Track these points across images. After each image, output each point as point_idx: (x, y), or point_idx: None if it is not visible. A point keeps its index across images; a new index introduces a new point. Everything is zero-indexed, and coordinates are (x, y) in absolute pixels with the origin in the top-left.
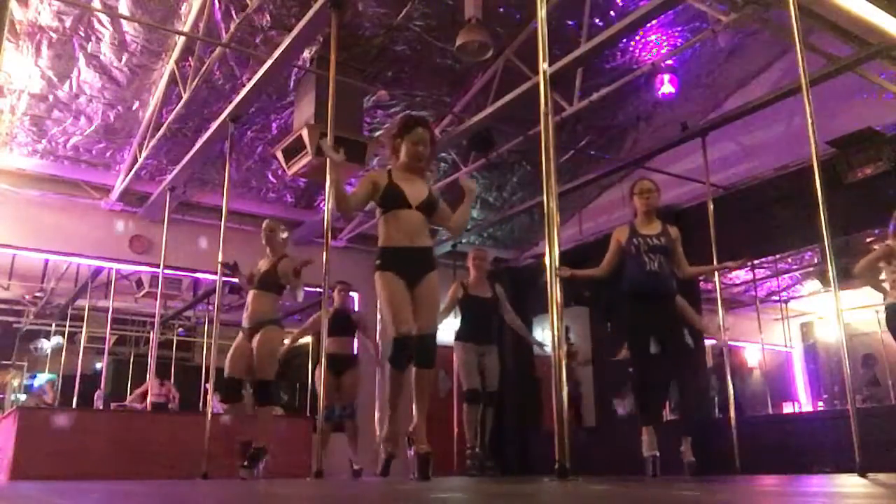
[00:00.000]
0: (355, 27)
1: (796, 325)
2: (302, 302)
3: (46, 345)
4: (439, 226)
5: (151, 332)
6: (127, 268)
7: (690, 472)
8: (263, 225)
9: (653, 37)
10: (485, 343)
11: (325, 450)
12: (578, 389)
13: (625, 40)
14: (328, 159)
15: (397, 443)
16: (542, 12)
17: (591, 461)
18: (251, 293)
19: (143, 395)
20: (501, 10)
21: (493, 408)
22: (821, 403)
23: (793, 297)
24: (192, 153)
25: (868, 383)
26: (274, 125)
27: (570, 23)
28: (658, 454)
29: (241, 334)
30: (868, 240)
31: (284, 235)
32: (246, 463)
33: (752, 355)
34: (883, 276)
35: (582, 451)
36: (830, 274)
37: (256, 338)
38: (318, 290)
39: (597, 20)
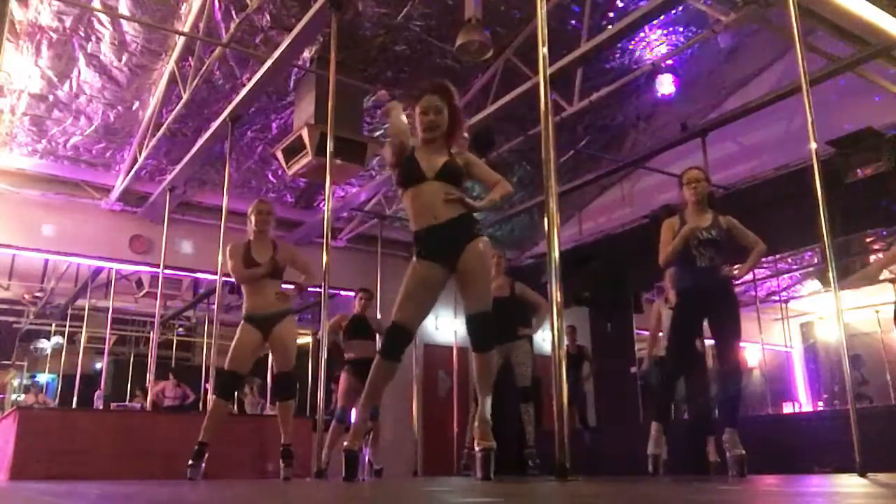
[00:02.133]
0: (355, 27)
1: (796, 325)
2: (304, 301)
3: (46, 345)
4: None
5: (151, 332)
6: (127, 268)
7: (731, 469)
8: (261, 206)
9: (653, 37)
10: (507, 342)
11: (335, 450)
12: (582, 390)
13: (625, 40)
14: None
15: (360, 440)
16: (542, 12)
17: (592, 461)
18: (261, 281)
19: (161, 394)
20: (502, 9)
21: (531, 403)
22: (821, 403)
23: (793, 297)
24: (191, 153)
25: (857, 383)
26: (274, 125)
27: (570, 22)
28: (659, 453)
29: (249, 326)
30: (868, 240)
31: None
32: (191, 462)
33: (752, 355)
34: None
35: (586, 451)
36: (830, 274)
37: (278, 329)
38: (318, 289)
39: (597, 20)
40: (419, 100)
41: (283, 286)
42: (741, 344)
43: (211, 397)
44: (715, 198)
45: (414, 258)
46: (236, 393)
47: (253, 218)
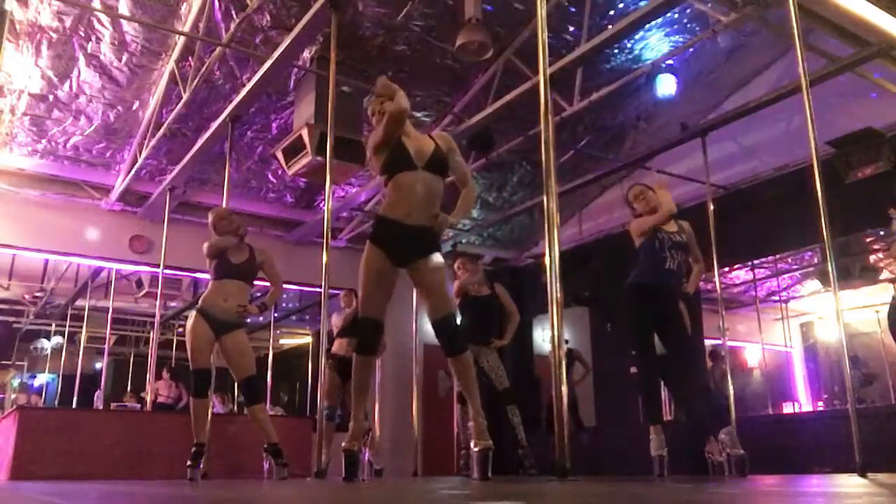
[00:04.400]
0: (355, 27)
1: (796, 325)
2: (302, 302)
3: (46, 345)
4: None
5: (151, 332)
6: (127, 268)
7: (717, 471)
8: (234, 217)
9: (653, 37)
10: (481, 344)
11: (329, 449)
12: (573, 392)
13: (625, 40)
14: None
15: (360, 441)
16: (542, 12)
17: (591, 462)
18: (229, 282)
19: (156, 391)
20: (501, 9)
21: (515, 405)
22: (821, 403)
23: (793, 297)
24: (192, 153)
25: (860, 384)
26: (274, 125)
27: (570, 22)
28: (665, 454)
29: (200, 319)
30: (868, 240)
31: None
32: (190, 463)
33: (752, 355)
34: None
35: (582, 452)
36: (830, 274)
37: (227, 339)
38: (318, 289)
39: (597, 20)
40: (371, 103)
41: (254, 286)
42: (743, 344)
43: (210, 397)
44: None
45: (369, 241)
46: (236, 393)
47: (220, 226)
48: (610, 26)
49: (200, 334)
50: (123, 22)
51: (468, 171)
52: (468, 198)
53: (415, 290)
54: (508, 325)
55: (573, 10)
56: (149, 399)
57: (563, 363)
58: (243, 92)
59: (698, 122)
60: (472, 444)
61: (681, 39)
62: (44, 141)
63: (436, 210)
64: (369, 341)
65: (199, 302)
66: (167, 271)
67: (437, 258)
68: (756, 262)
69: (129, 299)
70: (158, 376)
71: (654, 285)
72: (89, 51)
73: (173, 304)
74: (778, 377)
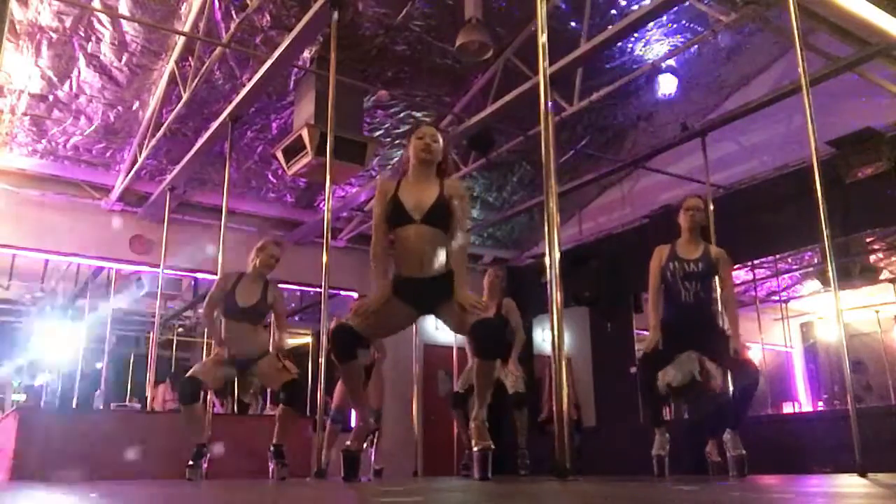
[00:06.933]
0: (355, 27)
1: (796, 325)
2: (303, 302)
3: None
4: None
5: (151, 332)
6: (127, 268)
7: (716, 471)
8: (273, 250)
9: (653, 37)
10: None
11: (333, 450)
12: (572, 390)
13: (625, 40)
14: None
15: (362, 441)
16: (542, 12)
17: (591, 461)
18: (237, 325)
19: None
20: (502, 9)
21: (524, 410)
22: (821, 403)
23: (793, 297)
24: (192, 153)
25: (861, 387)
26: (274, 125)
27: (570, 22)
28: (665, 454)
29: (223, 354)
30: (868, 240)
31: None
32: (191, 462)
33: (752, 355)
34: None
35: (581, 451)
36: (830, 274)
37: (260, 367)
38: (318, 289)
39: (597, 20)
40: (416, 130)
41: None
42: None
43: (210, 398)
44: (707, 230)
45: (392, 293)
46: (236, 393)
47: (260, 256)
48: (610, 26)
49: (217, 364)
50: (123, 22)
51: (466, 221)
52: (458, 258)
53: None
54: (514, 343)
55: (573, 10)
56: (148, 401)
57: (563, 364)
58: (243, 92)
59: (698, 122)
60: (472, 444)
61: (681, 39)
62: (44, 141)
63: (441, 262)
64: (343, 347)
65: (225, 353)
66: (167, 271)
67: (462, 304)
68: (756, 262)
69: (129, 299)
70: (160, 377)
71: (675, 324)
72: (89, 51)
73: (173, 304)
74: (778, 377)
